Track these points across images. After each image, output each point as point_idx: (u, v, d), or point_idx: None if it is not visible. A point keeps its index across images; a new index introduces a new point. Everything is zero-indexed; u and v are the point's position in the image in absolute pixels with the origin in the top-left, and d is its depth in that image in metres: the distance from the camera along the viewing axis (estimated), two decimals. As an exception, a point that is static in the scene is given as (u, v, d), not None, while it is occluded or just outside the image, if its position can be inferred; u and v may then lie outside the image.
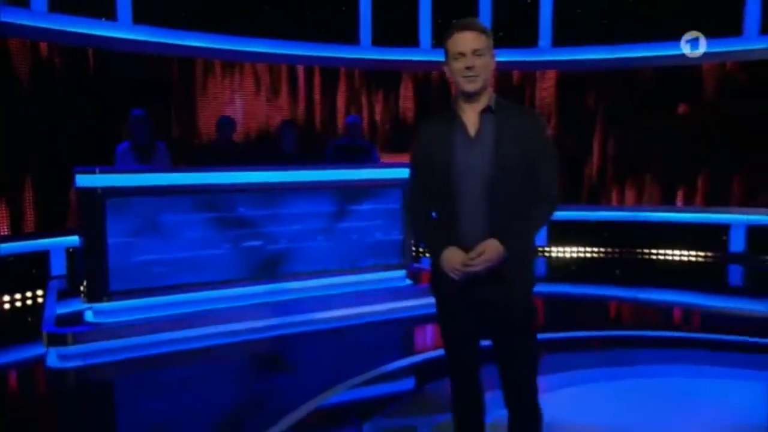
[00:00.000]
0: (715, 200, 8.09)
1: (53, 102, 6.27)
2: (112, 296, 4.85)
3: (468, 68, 2.09)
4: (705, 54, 7.78)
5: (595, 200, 8.48)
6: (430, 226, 2.33)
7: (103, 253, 4.85)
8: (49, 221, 6.33)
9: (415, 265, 6.32)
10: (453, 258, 2.10)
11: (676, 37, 7.79)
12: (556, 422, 2.91)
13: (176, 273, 5.15)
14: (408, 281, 5.92)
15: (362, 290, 5.67)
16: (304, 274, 5.58)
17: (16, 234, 6.09)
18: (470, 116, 2.21)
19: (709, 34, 7.73)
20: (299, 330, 4.98)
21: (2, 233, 6.00)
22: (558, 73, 8.42)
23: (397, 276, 5.92)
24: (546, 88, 8.45)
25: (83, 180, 4.86)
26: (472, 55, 2.08)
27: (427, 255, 7.63)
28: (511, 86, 8.34)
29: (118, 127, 6.20)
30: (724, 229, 8.11)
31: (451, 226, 2.20)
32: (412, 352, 4.71)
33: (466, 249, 2.11)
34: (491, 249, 2.06)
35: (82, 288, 5.04)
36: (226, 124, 5.96)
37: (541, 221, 2.29)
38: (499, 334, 2.27)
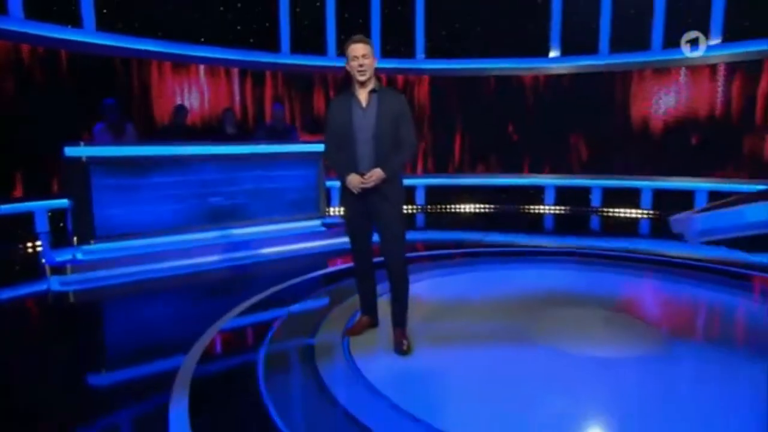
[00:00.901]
0: (536, 170, 8.88)
1: (34, 95, 6.12)
2: (96, 239, 5.00)
3: (360, 65, 2.69)
4: (525, 68, 8.48)
5: (459, 171, 9.05)
6: (340, 162, 2.83)
7: (89, 206, 4.95)
8: (35, 188, 6.21)
9: (327, 219, 6.64)
10: (354, 179, 2.73)
11: (511, 54, 8.47)
12: (421, 296, 3.65)
13: (146, 221, 5.29)
14: (322, 228, 6.30)
15: (290, 234, 6.01)
16: (245, 222, 5.84)
17: (7, 198, 6.00)
18: (362, 95, 2.77)
19: (525, 55, 8.50)
20: (243, 263, 5.29)
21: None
22: (430, 78, 8.83)
23: (315, 224, 6.31)
24: (422, 90, 8.84)
25: (71, 151, 4.89)
26: (362, 57, 2.68)
27: (339, 211, 8.25)
28: (396, 88, 8.61)
29: (87, 113, 6.08)
30: (540, 189, 8.85)
31: (352, 162, 2.77)
32: (324, 268, 5.14)
33: (361, 174, 2.72)
34: (376, 173, 2.69)
35: (74, 237, 5.09)
36: (180, 110, 6.10)
37: (405, 158, 2.82)
38: (381, 226, 2.85)
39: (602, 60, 8.19)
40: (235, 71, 7.90)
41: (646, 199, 8.16)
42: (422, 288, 3.82)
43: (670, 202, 7.80)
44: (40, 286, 4.67)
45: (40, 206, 6.27)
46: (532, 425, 2.11)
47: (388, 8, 8.53)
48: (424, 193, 9.05)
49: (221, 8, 7.67)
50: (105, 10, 6.62)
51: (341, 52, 8.29)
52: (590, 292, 3.98)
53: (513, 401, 2.30)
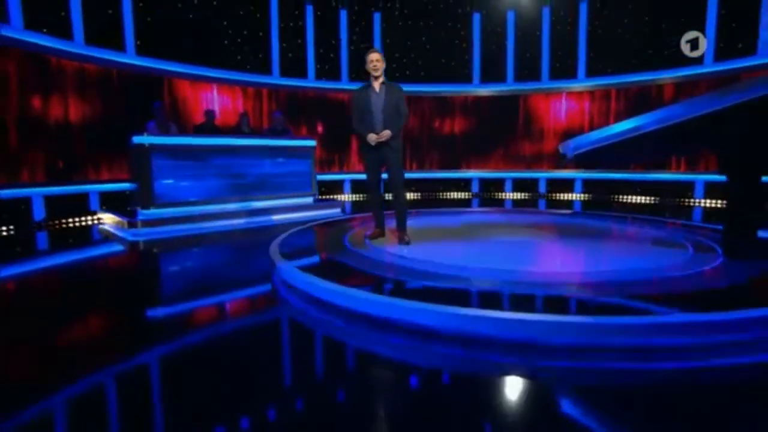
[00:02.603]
0: (465, 166, 10.44)
1: (94, 102, 6.93)
2: (155, 205, 5.95)
3: (375, 66, 3.74)
4: (456, 91, 9.90)
5: (408, 169, 10.43)
6: (362, 127, 3.84)
7: (150, 180, 5.89)
8: (90, 175, 7.03)
9: (318, 197, 7.70)
10: (372, 136, 3.75)
11: (445, 81, 9.91)
12: (415, 226, 4.76)
13: (191, 192, 6.22)
14: (314, 202, 7.35)
15: (291, 205, 6.99)
16: (261, 197, 6.82)
17: (69, 182, 6.80)
18: (376, 85, 3.82)
19: (455, 81, 10.00)
20: (262, 224, 6.23)
21: (63, 181, 6.70)
22: None
23: (309, 200, 7.38)
24: None
25: (138, 139, 5.85)
26: (376, 61, 3.72)
27: (324, 194, 9.14)
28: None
29: (134, 116, 6.93)
30: (468, 180, 10.32)
31: (370, 126, 3.81)
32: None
33: (376, 133, 3.79)
34: (386, 132, 3.74)
35: (137, 204, 6.00)
36: (210, 112, 7.09)
37: (402, 123, 3.79)
38: (389, 166, 3.88)
39: (509, 86, 10.02)
40: (238, 88, 9.00)
41: (542, 185, 10.05)
42: (413, 223, 5.03)
43: (557, 187, 9.73)
44: (118, 237, 5.58)
45: (93, 188, 7.13)
46: (484, 260, 3.51)
47: (353, 45, 9.98)
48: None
49: (225, 42, 8.80)
50: (139, 42, 7.62)
51: (318, 76, 9.70)
52: (509, 222, 5.69)
53: (471, 255, 3.71)
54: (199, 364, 2.12)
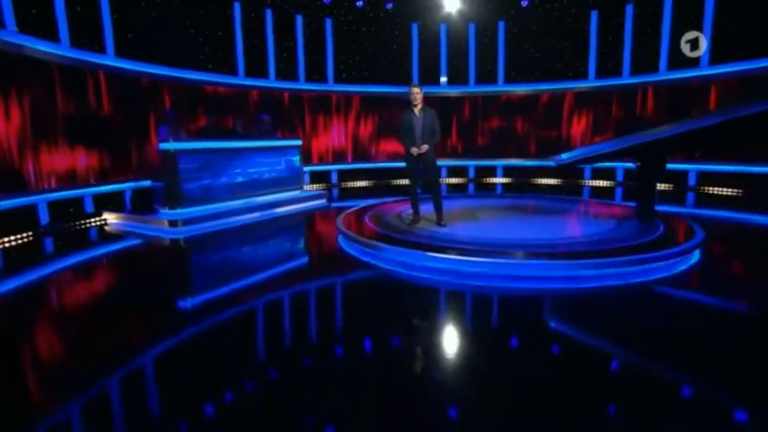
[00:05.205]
0: None
1: (78, 103, 7.02)
2: (183, 204, 6.64)
3: (415, 98, 5.03)
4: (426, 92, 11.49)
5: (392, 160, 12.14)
6: (407, 141, 5.06)
7: (177, 181, 6.57)
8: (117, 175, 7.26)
9: (305, 190, 8.68)
10: (414, 149, 5.06)
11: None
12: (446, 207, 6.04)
13: (214, 191, 7.00)
14: (301, 195, 8.28)
15: (287, 198, 7.94)
16: (264, 192, 7.78)
17: (102, 182, 7.05)
18: (416, 111, 5.08)
19: (426, 83, 11.76)
20: (273, 217, 7.15)
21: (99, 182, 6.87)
22: (338, 97, 11.30)
23: (297, 193, 8.38)
24: (332, 105, 11.30)
25: (164, 145, 6.52)
26: (416, 94, 5.00)
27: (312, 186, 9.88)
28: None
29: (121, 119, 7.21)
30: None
31: (412, 141, 5.08)
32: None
33: (417, 146, 5.09)
34: (425, 146, 5.04)
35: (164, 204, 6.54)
36: (212, 116, 7.84)
37: (436, 139, 5.04)
38: (428, 171, 5.15)
39: (471, 89, 11.90)
40: (209, 89, 9.42)
41: (499, 171, 12.27)
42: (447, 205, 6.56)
43: (517, 173, 11.96)
44: (157, 237, 6.18)
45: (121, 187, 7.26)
46: (493, 230, 5.23)
47: (306, 47, 10.99)
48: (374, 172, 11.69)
49: (190, 44, 9.21)
50: (118, 44, 7.77)
51: (279, 77, 10.47)
52: (494, 204, 7.57)
53: (487, 229, 5.43)
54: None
